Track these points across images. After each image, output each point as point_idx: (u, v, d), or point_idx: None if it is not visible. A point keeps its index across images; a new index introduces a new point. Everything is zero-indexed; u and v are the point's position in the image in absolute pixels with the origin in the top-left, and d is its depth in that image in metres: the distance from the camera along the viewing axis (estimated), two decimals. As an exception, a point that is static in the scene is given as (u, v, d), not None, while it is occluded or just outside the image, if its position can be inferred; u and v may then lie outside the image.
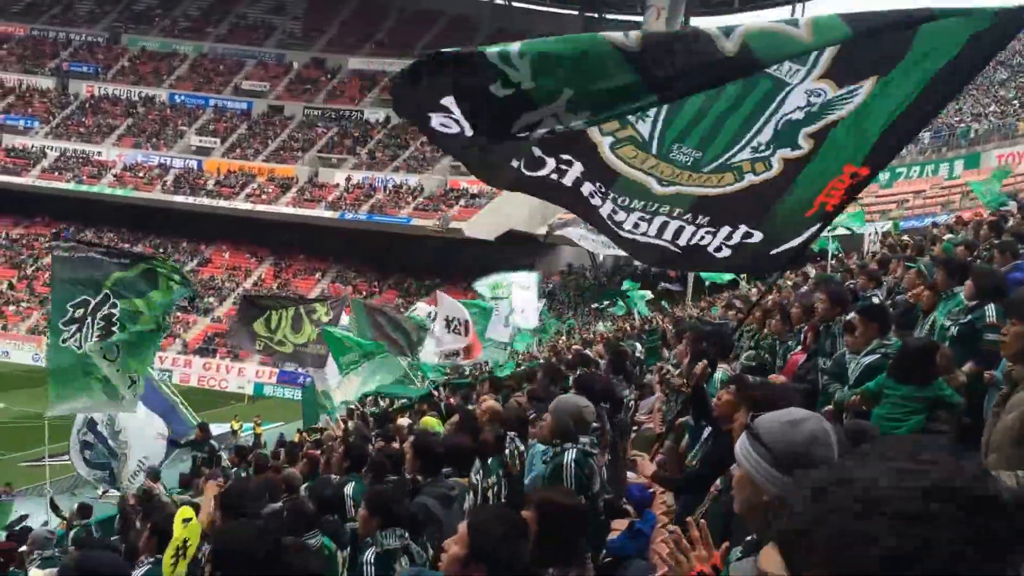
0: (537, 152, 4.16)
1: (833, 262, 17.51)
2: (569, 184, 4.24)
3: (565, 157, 4.19)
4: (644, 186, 4.18)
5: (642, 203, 4.22)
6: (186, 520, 4.75)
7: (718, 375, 5.71)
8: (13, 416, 31.69)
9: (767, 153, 4.04)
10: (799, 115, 3.95)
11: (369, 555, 4.42)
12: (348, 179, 56.62)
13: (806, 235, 4.17)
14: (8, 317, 50.27)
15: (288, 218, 54.56)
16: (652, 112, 4.05)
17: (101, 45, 66.87)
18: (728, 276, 22.80)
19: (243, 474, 11.47)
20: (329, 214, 54.37)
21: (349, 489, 6.65)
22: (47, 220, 57.88)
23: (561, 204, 4.51)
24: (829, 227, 5.69)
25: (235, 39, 66.96)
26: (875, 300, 7.54)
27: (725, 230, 4.20)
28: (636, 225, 4.25)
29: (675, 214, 4.22)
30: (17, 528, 12.98)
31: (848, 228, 18.63)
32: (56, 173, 57.77)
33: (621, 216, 4.25)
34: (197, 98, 63.13)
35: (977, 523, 0.80)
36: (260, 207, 55.24)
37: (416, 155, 57.75)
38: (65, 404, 10.22)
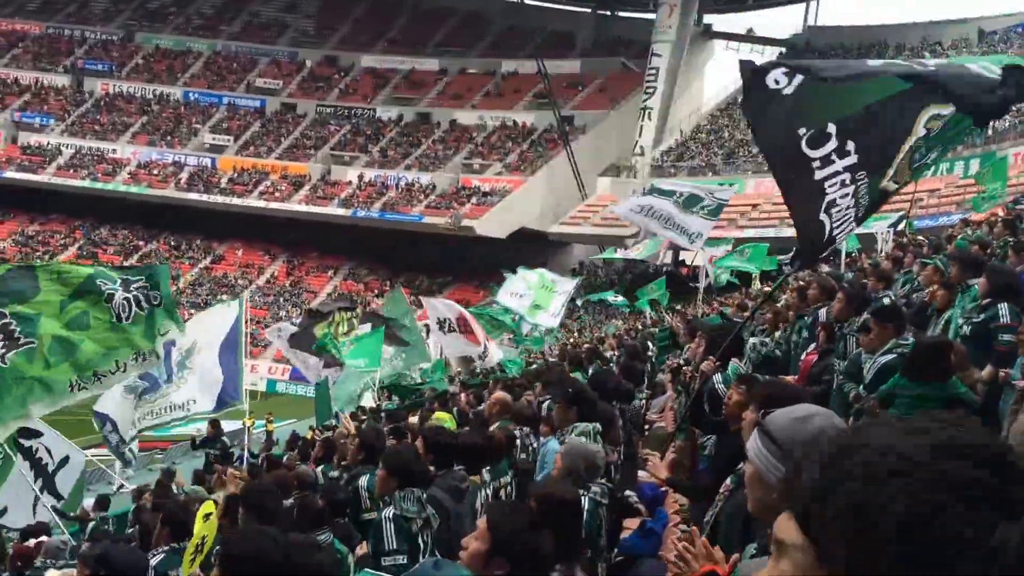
0: (831, 128, 4.36)
1: (846, 260, 17.43)
2: (818, 178, 4.41)
3: (849, 146, 4.36)
4: (886, 183, 4.46)
5: (868, 199, 4.46)
6: (207, 515, 4.76)
7: (730, 369, 5.69)
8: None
9: (920, 161, 4.50)
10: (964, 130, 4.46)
11: (388, 512, 4.40)
12: (360, 177, 56.74)
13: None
14: (23, 313, 50.61)
15: (301, 215, 54.75)
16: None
17: (116, 43, 67.19)
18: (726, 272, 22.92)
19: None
20: (341, 212, 54.50)
21: (364, 481, 6.65)
22: (63, 217, 58.25)
23: (788, 200, 4.73)
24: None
25: (248, 37, 67.17)
26: (886, 301, 7.51)
27: (852, 225, 4.55)
28: (842, 211, 4.47)
29: (863, 206, 4.50)
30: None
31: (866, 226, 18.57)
32: (71, 170, 58.12)
33: (847, 202, 4.44)
34: (211, 96, 63.36)
35: (990, 481, 0.80)
36: (273, 204, 55.46)
37: (428, 153, 57.83)
38: (14, 421, 9.64)
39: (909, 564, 0.79)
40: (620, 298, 30.58)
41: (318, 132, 60.82)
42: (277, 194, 56.11)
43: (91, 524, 11.34)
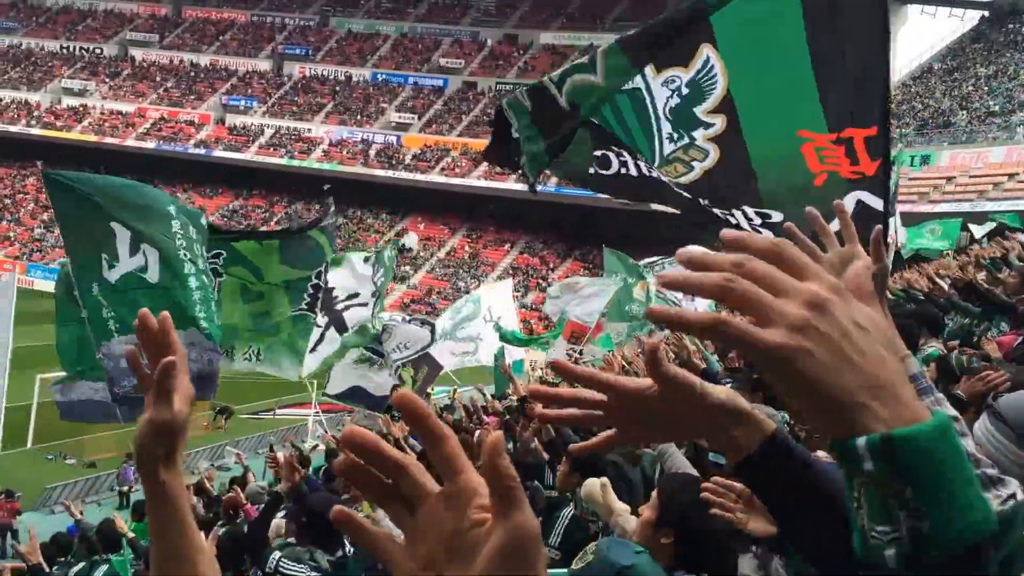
0: (599, 152, 4.45)
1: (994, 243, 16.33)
2: (636, 174, 4.44)
3: (611, 152, 4.44)
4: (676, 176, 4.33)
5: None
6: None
7: (928, 352, 5.46)
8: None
9: (687, 141, 4.07)
10: (677, 100, 3.98)
11: (567, 511, 4.63)
12: (538, 153, 57.50)
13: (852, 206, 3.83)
14: (230, 281, 54.91)
15: (480, 190, 56.32)
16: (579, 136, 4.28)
17: (312, 28, 71.19)
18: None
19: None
20: (519, 186, 55.53)
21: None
22: (263, 193, 62.59)
23: (636, 196, 4.72)
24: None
25: (433, 18, 69.37)
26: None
27: (738, 213, 4.14)
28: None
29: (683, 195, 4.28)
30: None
31: None
32: (271, 149, 62.27)
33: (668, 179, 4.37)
34: (397, 76, 66.02)
35: None
36: (454, 180, 57.34)
37: (605, 128, 57.83)
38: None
39: None
40: None
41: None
42: (458, 170, 57.93)
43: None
